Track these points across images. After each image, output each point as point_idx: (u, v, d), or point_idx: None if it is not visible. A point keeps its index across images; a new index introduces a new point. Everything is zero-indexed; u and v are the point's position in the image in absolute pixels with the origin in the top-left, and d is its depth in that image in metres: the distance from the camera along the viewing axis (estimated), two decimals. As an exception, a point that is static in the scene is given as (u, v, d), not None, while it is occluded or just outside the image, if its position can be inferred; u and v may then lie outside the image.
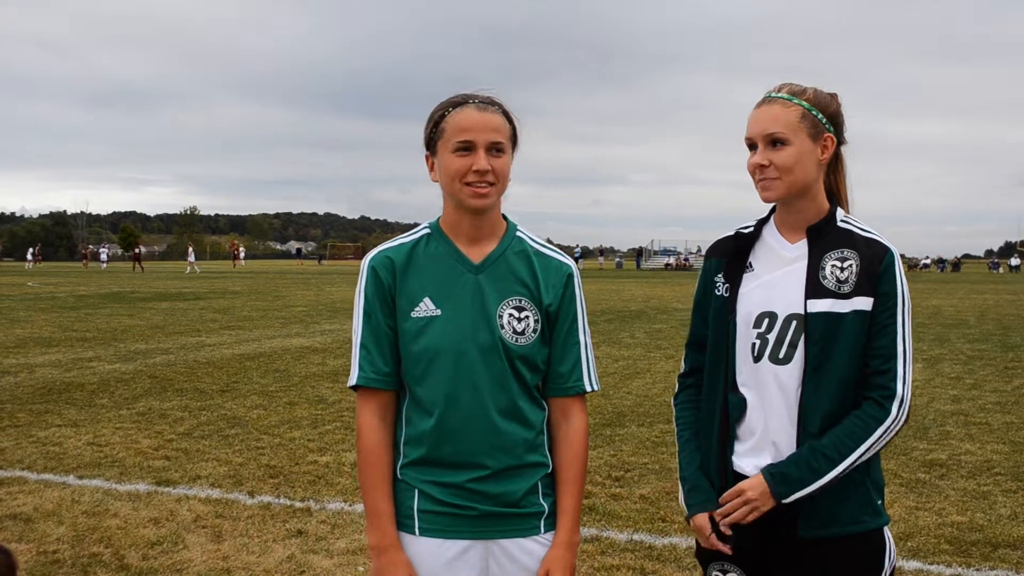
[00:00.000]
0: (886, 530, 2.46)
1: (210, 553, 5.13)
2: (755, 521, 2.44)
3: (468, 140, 2.30)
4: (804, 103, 2.42)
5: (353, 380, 2.37)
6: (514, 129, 2.39)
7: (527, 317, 2.36)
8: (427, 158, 2.42)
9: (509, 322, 2.34)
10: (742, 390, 2.47)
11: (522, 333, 2.35)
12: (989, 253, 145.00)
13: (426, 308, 2.35)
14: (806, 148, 2.40)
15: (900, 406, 2.36)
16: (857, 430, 2.34)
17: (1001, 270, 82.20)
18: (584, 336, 2.45)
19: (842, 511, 2.39)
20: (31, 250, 74.79)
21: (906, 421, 2.39)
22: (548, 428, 2.45)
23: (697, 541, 2.57)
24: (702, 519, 2.48)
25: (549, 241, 2.56)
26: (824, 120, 2.43)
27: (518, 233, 2.46)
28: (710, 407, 2.54)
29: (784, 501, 2.38)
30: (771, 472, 2.40)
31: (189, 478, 6.69)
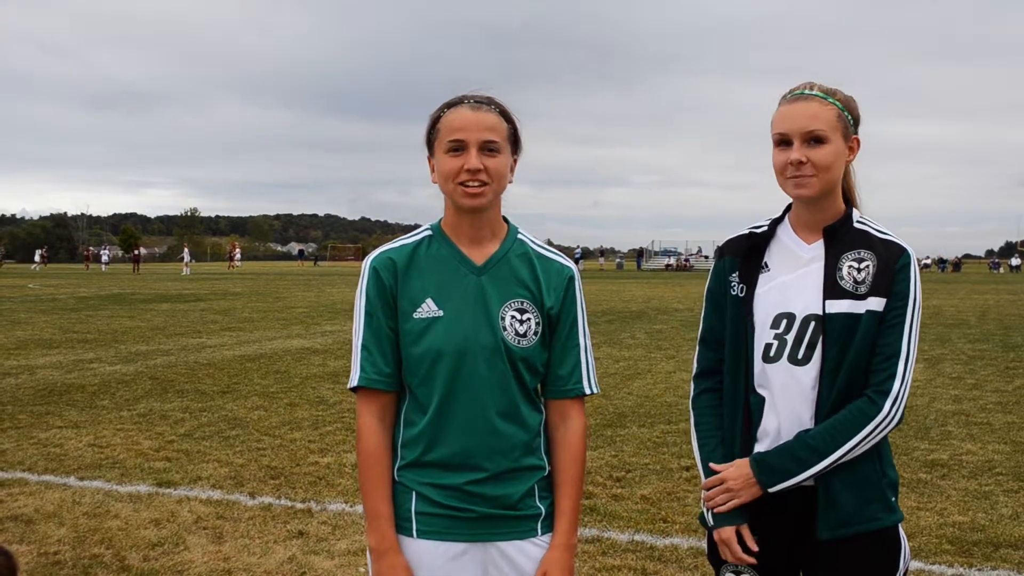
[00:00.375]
0: (900, 528, 2.46)
1: (211, 554, 5.13)
2: (772, 523, 2.44)
3: (460, 139, 2.29)
4: (838, 103, 2.41)
5: (354, 381, 2.36)
6: (514, 129, 2.38)
7: (529, 319, 2.36)
8: (428, 160, 2.42)
9: (511, 324, 2.34)
10: (759, 391, 2.46)
11: (524, 335, 2.35)
12: (990, 253, 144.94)
13: (428, 309, 2.34)
14: (840, 148, 2.41)
15: (894, 404, 2.35)
16: (847, 424, 2.34)
17: (1002, 270, 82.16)
18: (584, 339, 2.44)
19: (859, 510, 2.38)
20: (39, 252, 75.32)
21: (900, 420, 2.38)
22: (546, 430, 2.45)
23: (709, 543, 2.56)
24: (728, 533, 2.46)
25: (549, 243, 2.56)
26: (852, 121, 2.44)
27: (519, 235, 2.45)
28: (732, 409, 2.52)
29: (770, 490, 2.39)
30: (757, 461, 2.41)
31: (190, 479, 6.69)
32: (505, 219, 2.46)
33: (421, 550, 2.34)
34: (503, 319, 2.34)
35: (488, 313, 2.34)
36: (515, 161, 2.41)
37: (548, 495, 2.43)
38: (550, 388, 2.43)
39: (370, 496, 2.35)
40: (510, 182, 2.39)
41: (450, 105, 2.35)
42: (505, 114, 2.36)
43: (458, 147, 2.30)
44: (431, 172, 2.41)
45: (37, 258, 73.75)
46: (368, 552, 2.37)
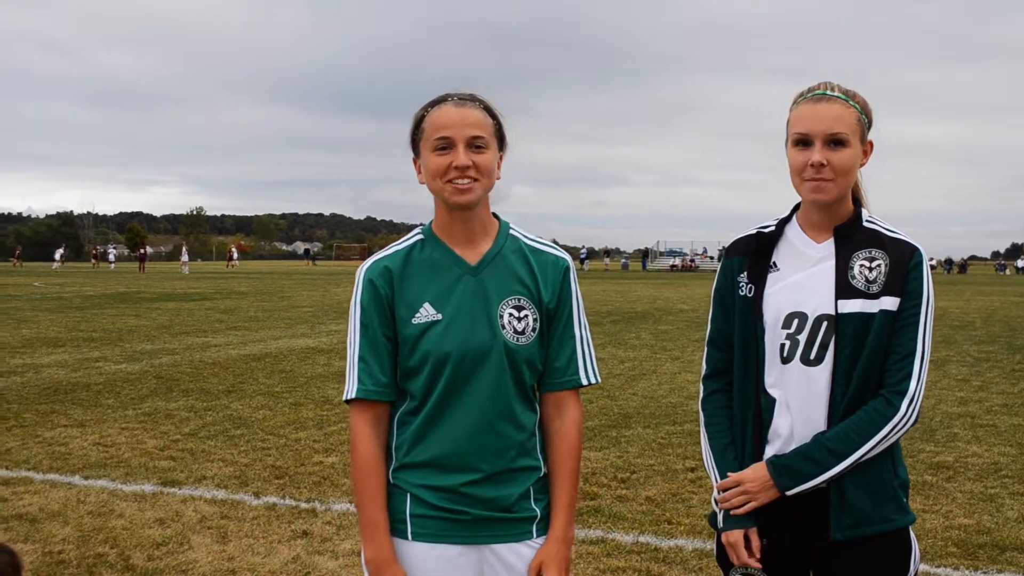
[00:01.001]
0: (911, 529, 2.45)
1: (215, 554, 5.13)
2: (782, 524, 2.43)
3: (446, 136, 2.28)
4: (857, 106, 2.40)
5: (352, 393, 2.35)
6: (499, 125, 2.37)
7: (526, 316, 2.35)
8: (414, 161, 2.40)
9: (509, 322, 2.33)
10: (770, 391, 2.44)
11: (522, 332, 2.34)
12: (996, 255, 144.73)
13: (426, 313, 2.33)
14: (858, 152, 2.40)
15: (910, 404, 2.34)
16: (865, 426, 2.33)
17: (1008, 272, 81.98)
18: (581, 329, 2.43)
19: (872, 510, 2.37)
20: (59, 251, 77.07)
21: (916, 420, 2.38)
22: (542, 423, 2.44)
23: (719, 545, 2.55)
24: (736, 536, 2.44)
25: (555, 242, 2.54)
26: (867, 124, 2.43)
27: (511, 231, 2.44)
28: (742, 410, 2.50)
29: (788, 493, 2.38)
30: (774, 463, 2.39)
31: (195, 479, 6.70)
32: (496, 216, 2.45)
33: (416, 552, 2.34)
34: (501, 317, 2.33)
35: (487, 313, 2.33)
36: (501, 157, 2.39)
37: (544, 497, 2.41)
38: (547, 380, 2.42)
39: (366, 506, 2.34)
40: (498, 178, 2.38)
41: (433, 104, 2.34)
42: (489, 110, 2.35)
43: (445, 145, 2.29)
44: (417, 173, 2.40)
45: (58, 256, 75.81)
46: (364, 563, 2.35)
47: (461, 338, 2.31)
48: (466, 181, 2.28)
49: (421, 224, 2.49)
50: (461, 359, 2.30)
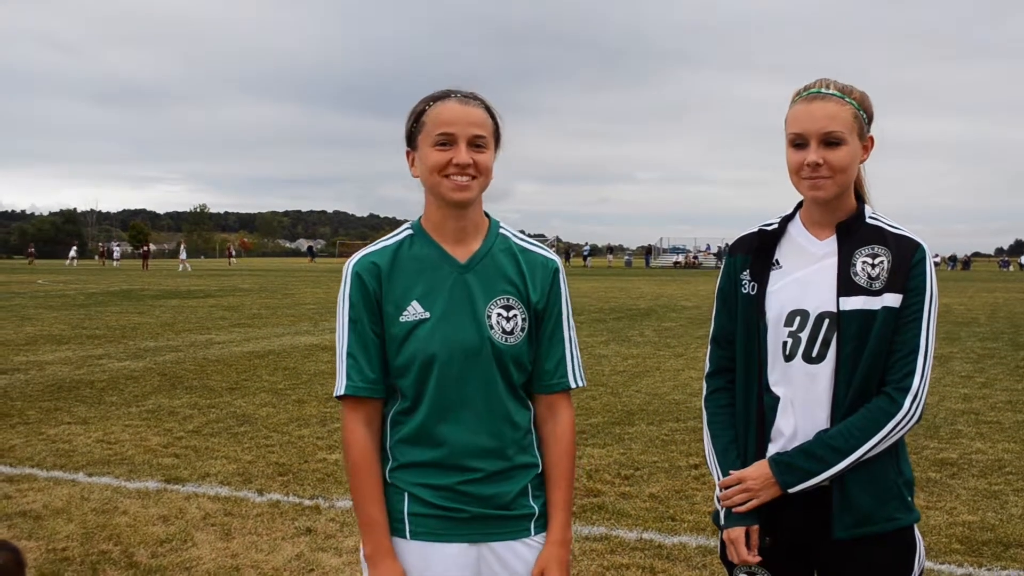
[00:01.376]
0: (916, 528, 2.44)
1: (219, 551, 5.13)
2: (786, 523, 2.42)
3: (449, 133, 2.27)
4: (854, 103, 2.38)
5: (341, 390, 2.34)
6: (497, 126, 2.37)
7: (515, 316, 2.34)
8: (408, 154, 2.39)
9: (498, 321, 2.33)
10: (773, 389, 2.44)
11: (511, 332, 2.33)
12: (999, 251, 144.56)
13: (414, 311, 2.32)
14: (856, 149, 2.38)
15: (913, 401, 2.33)
16: (868, 423, 2.32)
17: (1012, 268, 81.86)
18: (569, 332, 2.43)
19: (876, 509, 2.36)
20: (73, 248, 78.81)
21: (919, 418, 2.37)
22: (535, 426, 2.44)
23: (722, 542, 2.54)
24: (737, 533, 2.44)
25: (558, 240, 2.54)
26: (866, 120, 2.41)
27: (501, 230, 2.44)
28: (745, 408, 2.50)
29: (790, 491, 2.37)
30: (776, 461, 2.39)
31: (198, 476, 6.70)
32: (486, 214, 2.44)
33: (414, 551, 2.33)
34: (489, 317, 2.32)
35: (475, 312, 2.32)
36: (495, 158, 2.39)
37: (541, 494, 2.41)
38: (537, 383, 2.41)
39: (363, 504, 2.33)
40: (491, 178, 2.38)
41: (436, 99, 2.33)
42: (490, 110, 2.35)
43: (446, 141, 2.28)
44: (410, 166, 2.39)
45: (73, 253, 77.32)
46: (363, 559, 2.35)
47: (449, 337, 2.30)
48: (465, 179, 2.27)
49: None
50: (449, 358, 2.29)
